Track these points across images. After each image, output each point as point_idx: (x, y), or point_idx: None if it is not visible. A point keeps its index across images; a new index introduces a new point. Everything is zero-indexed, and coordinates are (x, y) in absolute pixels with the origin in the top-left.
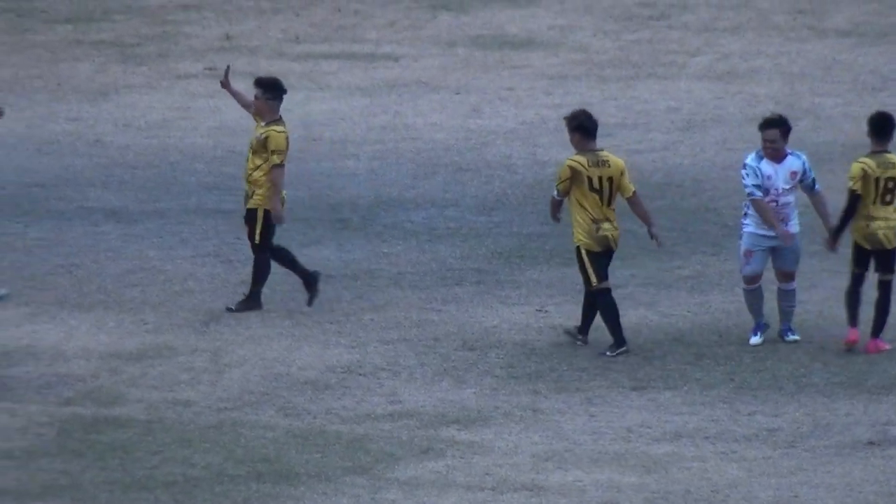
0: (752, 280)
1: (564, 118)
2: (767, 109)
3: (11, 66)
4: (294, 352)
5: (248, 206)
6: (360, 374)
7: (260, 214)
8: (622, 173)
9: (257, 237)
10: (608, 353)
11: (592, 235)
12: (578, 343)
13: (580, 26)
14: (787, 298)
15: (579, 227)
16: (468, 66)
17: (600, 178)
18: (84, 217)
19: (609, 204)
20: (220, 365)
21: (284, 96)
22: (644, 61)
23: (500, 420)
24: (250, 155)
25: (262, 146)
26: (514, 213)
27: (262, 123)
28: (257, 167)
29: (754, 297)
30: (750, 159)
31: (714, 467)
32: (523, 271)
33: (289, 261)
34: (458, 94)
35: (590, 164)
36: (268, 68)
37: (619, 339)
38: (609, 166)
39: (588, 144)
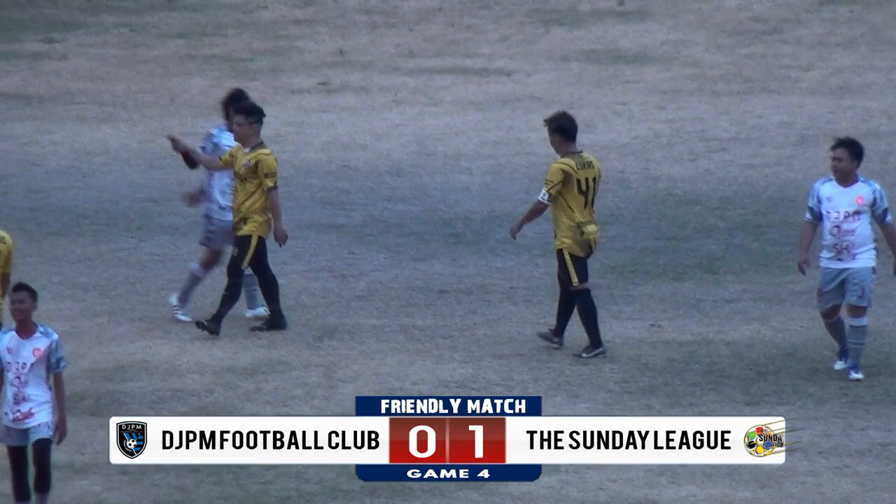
0: (827, 315)
1: (544, 120)
2: (881, 124)
3: (124, 80)
4: (407, 367)
5: (242, 233)
6: (474, 389)
7: (254, 242)
8: (600, 174)
9: (246, 263)
10: (584, 355)
11: (577, 240)
12: (555, 345)
13: (693, 41)
14: (854, 335)
15: (564, 230)
16: (581, 80)
17: (587, 180)
18: (198, 232)
19: (592, 205)
20: (334, 380)
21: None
22: (757, 76)
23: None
24: (237, 184)
25: (252, 172)
26: (627, 227)
27: (246, 150)
28: (251, 194)
29: (832, 329)
30: (818, 181)
31: (827, 482)
32: (636, 286)
33: (273, 293)
34: (571, 108)
35: (577, 166)
36: (381, 83)
37: (595, 341)
38: (592, 167)
39: (569, 147)
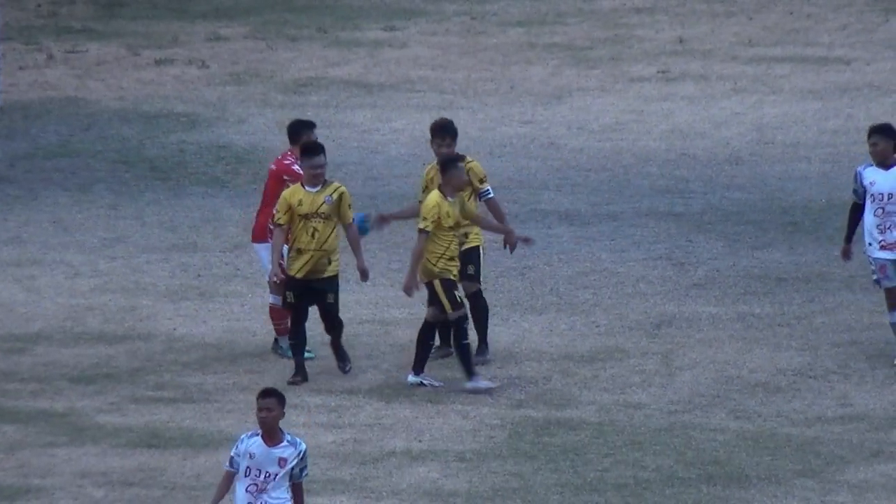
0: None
1: (441, 124)
2: None
3: (464, 68)
4: (745, 354)
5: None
6: (811, 377)
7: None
8: None
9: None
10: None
11: None
12: (488, 358)
13: None
14: None
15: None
16: None
17: None
18: (537, 219)
19: None
20: (672, 367)
21: None
22: None
23: None
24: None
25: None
26: None
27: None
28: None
29: None
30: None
31: None
32: None
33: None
34: None
35: None
36: (720, 71)
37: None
38: None
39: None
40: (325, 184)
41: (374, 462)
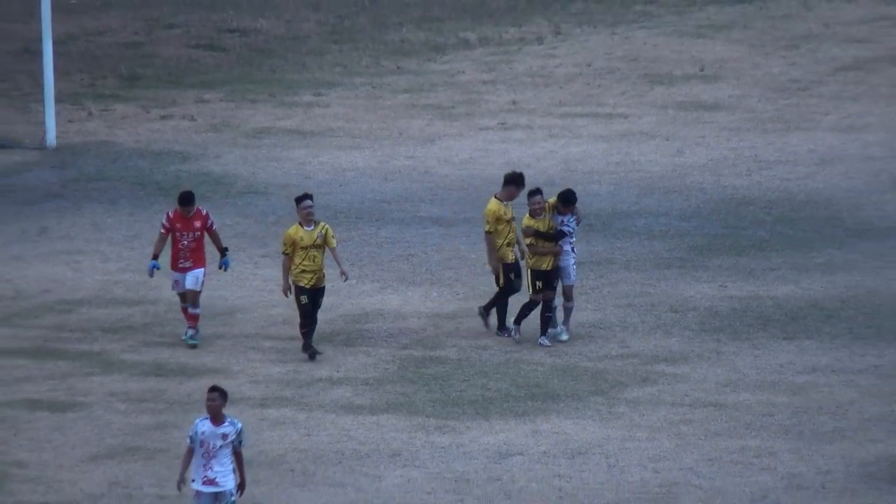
0: None
1: (516, 175)
2: (875, 151)
3: (367, 121)
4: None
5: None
6: (601, 328)
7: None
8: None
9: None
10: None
11: None
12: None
13: (750, 95)
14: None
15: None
16: (675, 121)
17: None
18: (417, 223)
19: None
20: (508, 323)
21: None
22: (793, 118)
23: (695, 360)
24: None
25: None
26: (704, 220)
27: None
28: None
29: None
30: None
31: (838, 391)
32: (710, 259)
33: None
34: (667, 140)
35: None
36: (540, 123)
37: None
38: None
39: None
40: (316, 223)
41: (308, 385)
